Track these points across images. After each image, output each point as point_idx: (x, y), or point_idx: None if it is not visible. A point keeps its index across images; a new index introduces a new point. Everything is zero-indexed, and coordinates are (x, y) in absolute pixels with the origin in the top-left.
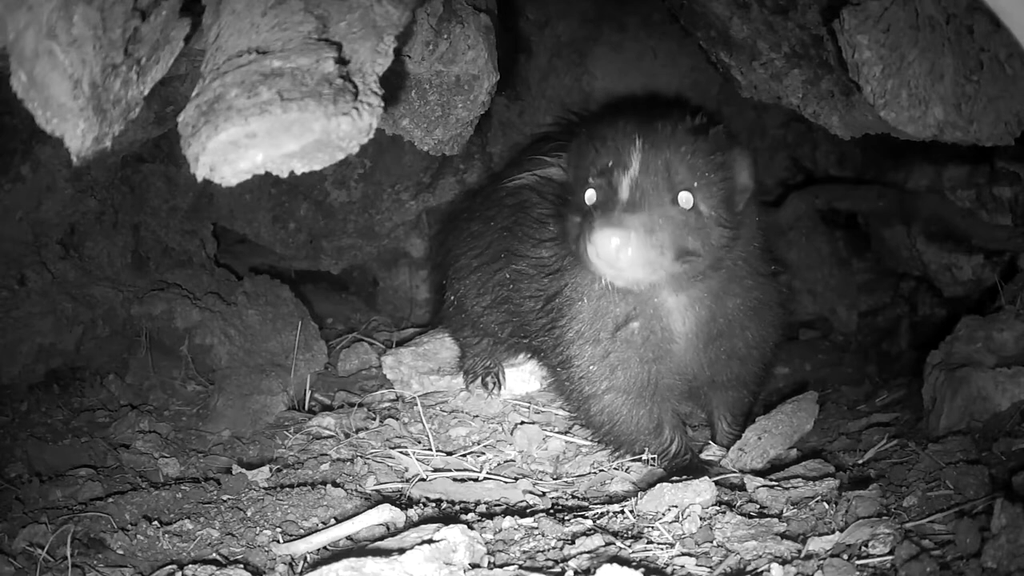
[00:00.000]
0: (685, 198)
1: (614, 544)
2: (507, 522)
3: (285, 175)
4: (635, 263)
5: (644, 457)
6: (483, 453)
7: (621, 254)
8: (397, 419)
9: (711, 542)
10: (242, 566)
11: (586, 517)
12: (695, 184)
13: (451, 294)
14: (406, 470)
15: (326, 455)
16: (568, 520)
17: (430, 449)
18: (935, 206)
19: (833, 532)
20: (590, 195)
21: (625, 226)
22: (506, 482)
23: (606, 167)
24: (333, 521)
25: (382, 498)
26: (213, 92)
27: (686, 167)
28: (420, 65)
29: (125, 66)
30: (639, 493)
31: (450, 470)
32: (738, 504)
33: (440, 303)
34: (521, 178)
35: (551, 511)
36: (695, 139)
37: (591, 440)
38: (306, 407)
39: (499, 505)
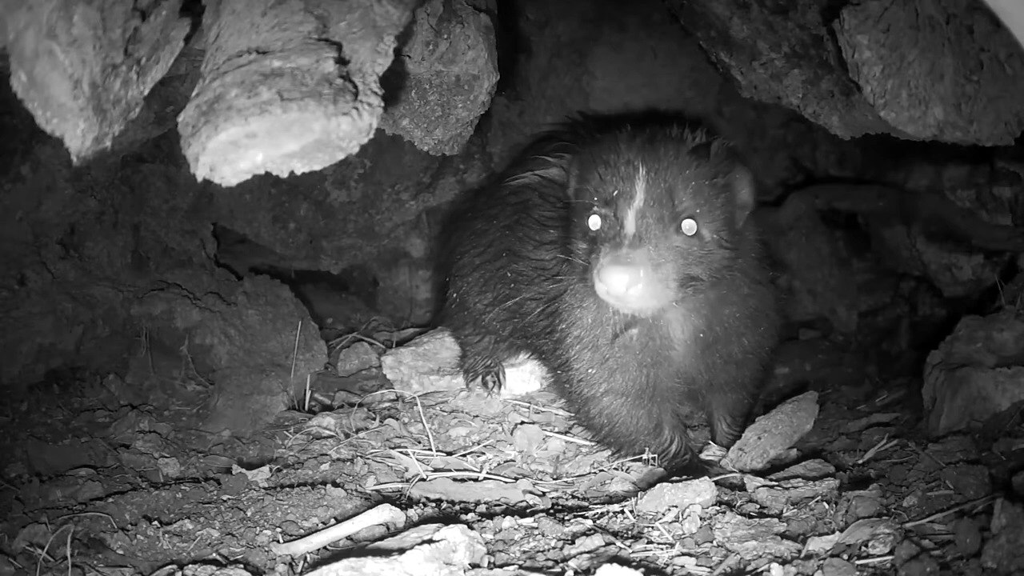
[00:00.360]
0: (689, 225)
1: (614, 544)
2: (507, 522)
3: (285, 175)
4: (643, 298)
5: (644, 457)
6: (483, 453)
7: (631, 291)
8: (397, 419)
9: (711, 542)
10: (242, 566)
11: (586, 517)
12: (697, 210)
13: (453, 291)
14: (406, 470)
15: (326, 455)
16: (568, 520)
17: (430, 449)
18: (935, 206)
19: (833, 532)
20: (595, 222)
21: (634, 264)
22: (506, 482)
23: (611, 197)
24: (333, 521)
25: (382, 498)
26: (213, 92)
27: (689, 193)
28: (420, 65)
29: (125, 66)
30: (639, 493)
31: (450, 470)
32: (738, 504)
33: (442, 302)
34: (523, 177)
35: (551, 511)
36: (697, 162)
37: (591, 441)
38: (306, 407)
39: (499, 505)
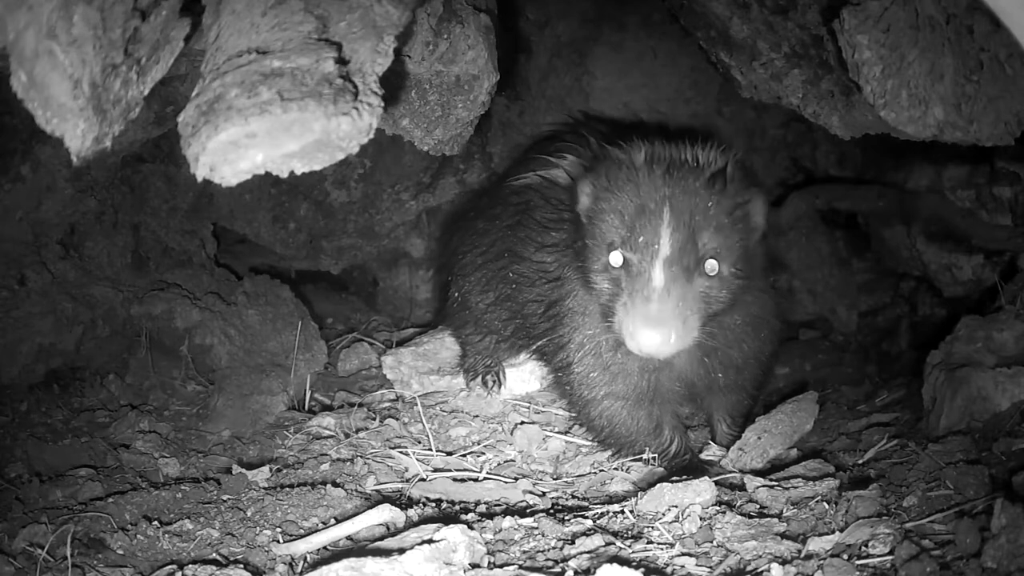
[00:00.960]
0: (711, 266)
1: (614, 544)
2: (507, 522)
3: (285, 175)
4: (672, 350)
5: (644, 457)
6: (483, 453)
7: (663, 348)
8: (397, 419)
9: (711, 542)
10: (242, 566)
11: (586, 517)
12: (718, 249)
13: (455, 290)
14: (406, 470)
15: (326, 455)
16: (568, 520)
17: (430, 449)
18: (935, 206)
19: (833, 532)
20: (616, 258)
21: (665, 323)
22: (506, 482)
23: (636, 242)
24: (333, 521)
25: (382, 498)
26: (213, 92)
27: (711, 233)
28: (420, 65)
29: (125, 66)
30: (639, 493)
31: (450, 470)
32: (738, 504)
33: (443, 301)
34: (525, 177)
35: (551, 511)
36: (717, 196)
37: (591, 441)
38: (306, 407)
39: (499, 505)
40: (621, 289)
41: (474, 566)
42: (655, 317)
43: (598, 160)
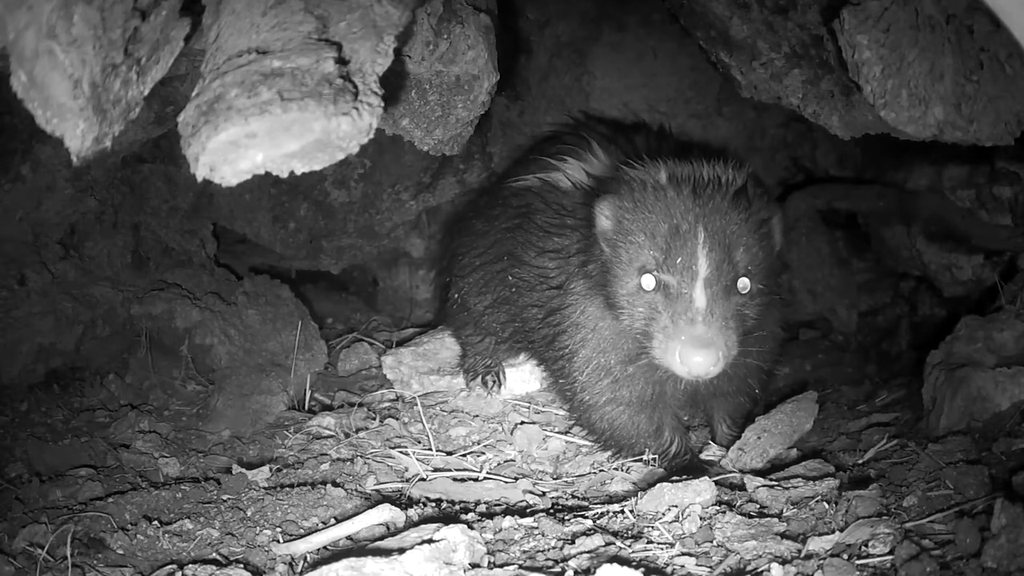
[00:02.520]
0: (743, 284)
1: (614, 544)
2: (507, 522)
3: (285, 175)
4: (720, 369)
5: (645, 457)
6: (483, 453)
7: (713, 369)
8: (397, 419)
9: (711, 542)
10: (242, 566)
11: (586, 517)
12: (749, 267)
13: (454, 292)
14: (406, 470)
15: (326, 455)
16: (568, 520)
17: (430, 449)
18: (935, 206)
19: (833, 532)
20: (648, 282)
21: (714, 344)
22: (506, 482)
23: (673, 264)
24: (333, 521)
25: (382, 498)
26: (213, 92)
27: (742, 251)
28: (420, 65)
29: (125, 66)
30: (639, 493)
31: (450, 470)
32: (738, 504)
33: (444, 302)
34: (526, 180)
35: (551, 511)
36: (744, 214)
37: (591, 443)
38: (306, 407)
39: (499, 505)
40: (659, 312)
41: (474, 566)
42: (703, 339)
43: (615, 180)
